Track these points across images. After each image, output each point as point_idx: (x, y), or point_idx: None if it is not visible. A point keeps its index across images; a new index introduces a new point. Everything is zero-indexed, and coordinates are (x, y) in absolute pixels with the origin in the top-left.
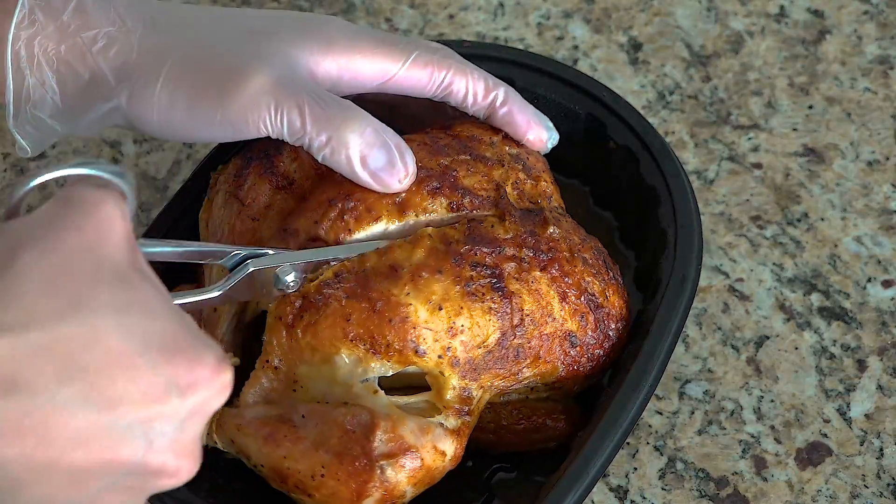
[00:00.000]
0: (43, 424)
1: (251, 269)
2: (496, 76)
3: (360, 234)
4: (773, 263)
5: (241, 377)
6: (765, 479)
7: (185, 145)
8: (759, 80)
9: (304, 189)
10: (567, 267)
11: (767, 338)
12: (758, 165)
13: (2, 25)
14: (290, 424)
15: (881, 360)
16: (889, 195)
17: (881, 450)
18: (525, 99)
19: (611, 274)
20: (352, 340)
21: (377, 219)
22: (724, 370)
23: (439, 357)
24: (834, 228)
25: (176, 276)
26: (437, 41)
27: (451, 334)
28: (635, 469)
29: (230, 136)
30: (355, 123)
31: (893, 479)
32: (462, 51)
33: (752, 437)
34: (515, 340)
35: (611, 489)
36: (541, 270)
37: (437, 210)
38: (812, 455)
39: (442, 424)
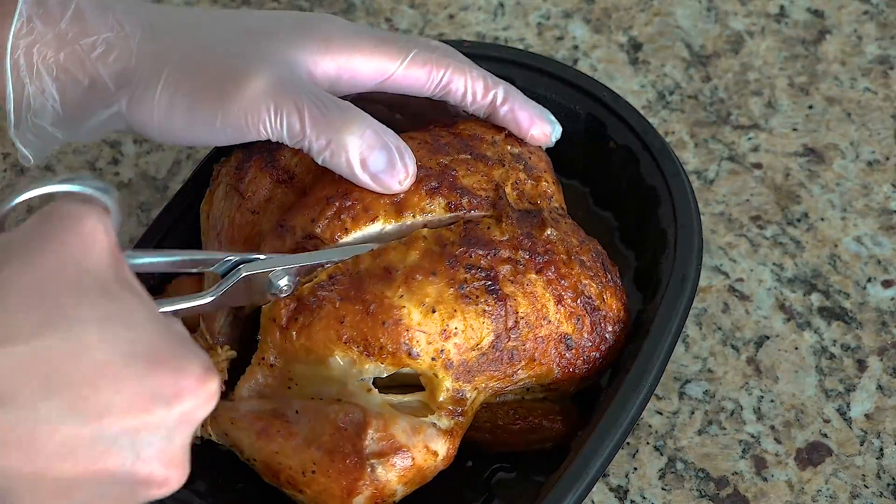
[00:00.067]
0: (28, 437)
1: (243, 274)
2: (497, 76)
3: (356, 234)
4: (773, 263)
5: (239, 369)
6: (765, 479)
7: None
8: (759, 80)
9: (304, 183)
10: (563, 269)
11: (767, 338)
12: (758, 165)
13: (0, 34)
14: (283, 419)
15: (881, 360)
16: (889, 195)
17: (881, 450)
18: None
19: (609, 276)
20: (345, 343)
21: (374, 218)
22: (724, 370)
23: (433, 359)
24: (834, 228)
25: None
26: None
27: (444, 337)
28: (635, 469)
29: (231, 139)
30: (355, 126)
31: (893, 479)
32: (462, 51)
33: (752, 437)
34: (510, 343)
35: (611, 489)
36: (536, 273)
37: (434, 210)
38: (812, 455)
39: (435, 424)
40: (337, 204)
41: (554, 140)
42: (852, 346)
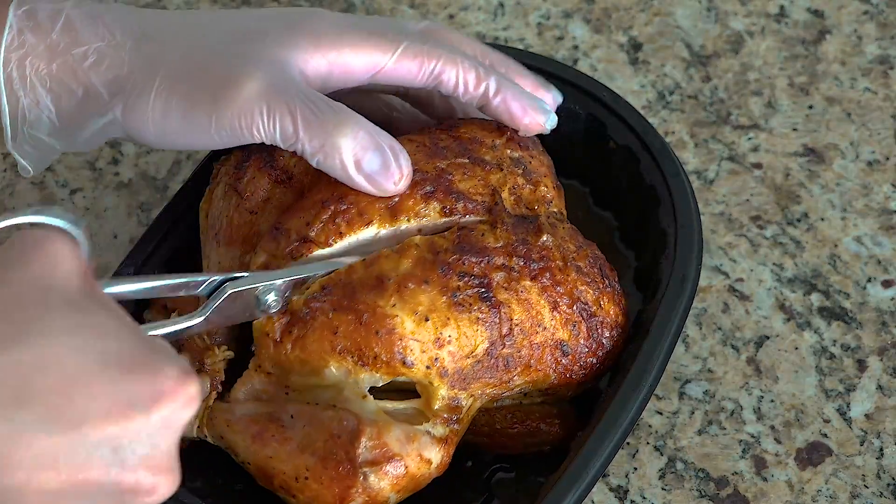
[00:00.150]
0: (5, 449)
1: (228, 292)
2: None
3: (350, 238)
4: (773, 263)
5: (237, 369)
6: (765, 479)
7: None
8: (759, 80)
9: (303, 184)
10: (559, 276)
11: (767, 338)
12: (758, 165)
13: None
14: (278, 424)
15: (881, 360)
16: (889, 195)
17: (881, 450)
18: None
19: (606, 282)
20: (339, 353)
21: (368, 223)
22: (724, 370)
23: (427, 368)
24: (834, 228)
25: (176, 266)
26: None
27: (438, 345)
28: (635, 469)
29: (226, 143)
30: (347, 127)
31: (893, 479)
32: None
33: (752, 437)
34: (505, 350)
35: (611, 489)
36: (531, 279)
37: (429, 214)
38: (812, 455)
39: (429, 433)
40: (332, 208)
41: (549, 128)
42: (852, 346)
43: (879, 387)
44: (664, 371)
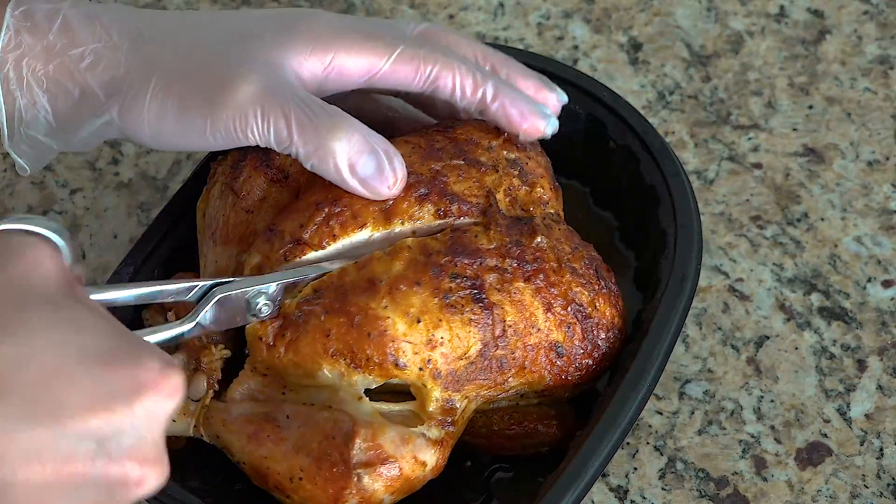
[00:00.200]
0: None
1: (218, 296)
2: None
3: (344, 241)
4: (773, 263)
5: (234, 367)
6: (765, 479)
7: None
8: (759, 80)
9: (299, 183)
10: (553, 277)
11: (767, 338)
12: (758, 165)
13: None
14: (274, 424)
15: (881, 360)
16: (889, 195)
17: (881, 450)
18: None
19: (602, 283)
20: (332, 356)
21: (362, 225)
22: (724, 370)
23: (420, 369)
24: (834, 228)
25: (175, 266)
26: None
27: (430, 347)
28: (635, 469)
29: (221, 145)
30: (342, 131)
31: (893, 479)
32: None
33: (752, 437)
34: (498, 351)
35: (611, 489)
36: (524, 281)
37: (423, 217)
38: (812, 455)
39: (424, 435)
40: (326, 210)
41: (549, 133)
42: (852, 346)
43: (879, 387)
44: (663, 371)
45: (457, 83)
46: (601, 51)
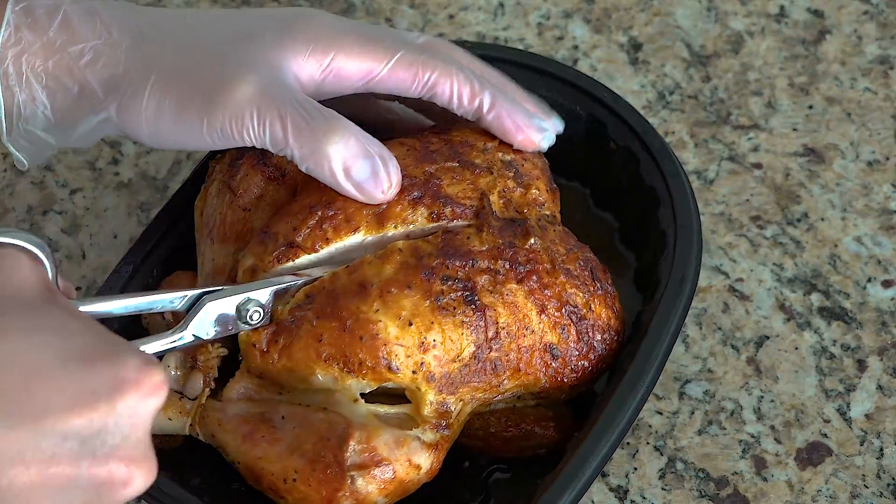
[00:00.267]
0: None
1: (207, 304)
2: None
3: (337, 244)
4: (773, 263)
5: (230, 366)
6: (765, 479)
7: None
8: (759, 80)
9: (296, 181)
10: (547, 279)
11: (767, 338)
12: (758, 165)
13: None
14: (269, 424)
15: (881, 360)
16: (889, 195)
17: (881, 450)
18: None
19: (597, 284)
20: (325, 361)
21: (355, 229)
22: (724, 370)
23: (413, 373)
24: (834, 228)
25: (175, 265)
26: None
27: (422, 349)
28: (635, 469)
29: (218, 145)
30: (337, 135)
31: (893, 479)
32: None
33: (752, 437)
34: (492, 353)
35: (611, 489)
36: (517, 283)
37: (417, 220)
38: (812, 455)
39: (419, 438)
40: (319, 213)
41: (545, 146)
42: (852, 346)
43: (879, 387)
44: (661, 371)
45: (454, 90)
46: (601, 51)
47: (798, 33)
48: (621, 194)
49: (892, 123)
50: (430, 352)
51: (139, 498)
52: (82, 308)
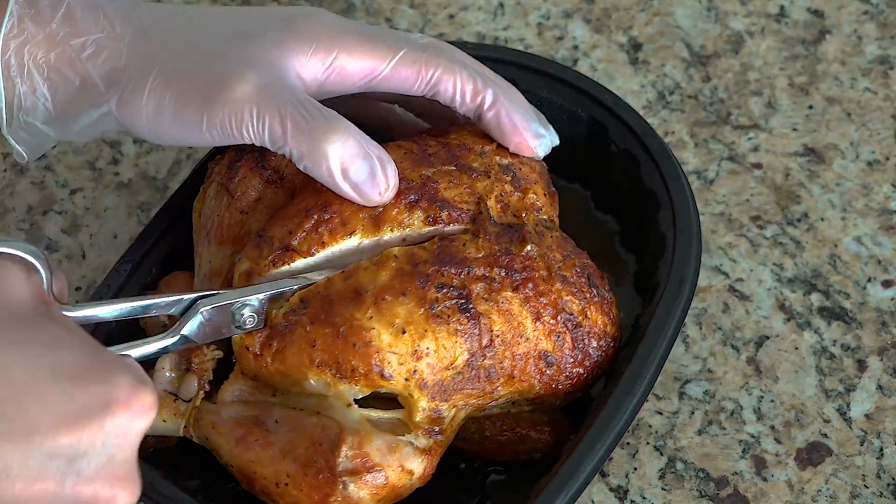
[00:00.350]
0: None
1: (202, 309)
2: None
3: (333, 248)
4: (773, 263)
5: (225, 368)
6: (765, 479)
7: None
8: (759, 80)
9: (294, 184)
10: (543, 286)
11: (767, 338)
12: (758, 165)
13: None
14: (263, 428)
15: (881, 360)
16: (889, 195)
17: (881, 450)
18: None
19: (594, 291)
20: (318, 366)
21: (351, 233)
22: (724, 370)
23: (406, 380)
24: (834, 228)
25: (173, 264)
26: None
27: (416, 357)
28: (635, 469)
29: (217, 142)
30: (336, 135)
31: (893, 479)
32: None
33: (752, 437)
34: (486, 361)
35: (611, 489)
36: (512, 290)
37: (413, 224)
38: (812, 455)
39: (412, 443)
40: (315, 217)
41: (541, 154)
42: (852, 346)
43: (879, 387)
44: (659, 374)
45: (458, 88)
46: (601, 51)
47: (798, 33)
48: (622, 197)
49: (892, 123)
50: (423, 360)
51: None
52: (78, 312)
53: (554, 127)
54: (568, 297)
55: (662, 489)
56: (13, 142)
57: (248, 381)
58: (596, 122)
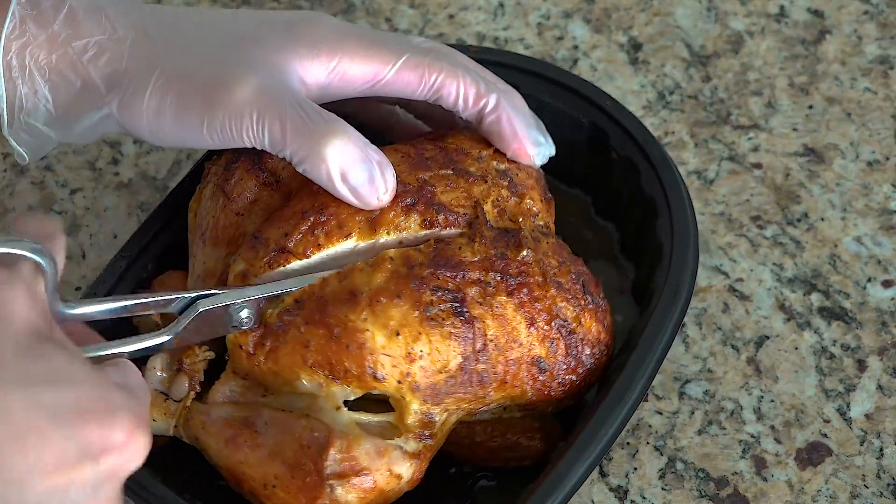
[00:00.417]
0: None
1: (200, 310)
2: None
3: (329, 250)
4: (773, 263)
5: (217, 369)
6: (765, 479)
7: None
8: (759, 80)
9: (290, 187)
10: (537, 292)
11: (767, 338)
12: (758, 165)
13: None
14: (252, 429)
15: (881, 360)
16: (889, 195)
17: (881, 450)
18: (529, 105)
19: (588, 298)
20: (311, 367)
21: (347, 235)
22: (724, 370)
23: (399, 382)
24: (834, 228)
25: (169, 262)
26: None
27: (409, 360)
28: (635, 469)
29: (217, 144)
30: (336, 138)
31: (893, 479)
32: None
33: (752, 437)
34: (479, 365)
35: (611, 489)
36: (507, 295)
37: (409, 227)
38: (812, 455)
39: (401, 447)
40: (311, 219)
41: (539, 162)
42: (852, 346)
43: (879, 387)
44: (653, 381)
45: (461, 91)
46: (601, 51)
47: (798, 33)
48: (622, 204)
49: (892, 123)
50: (416, 362)
51: (124, 495)
52: (76, 311)
53: (555, 132)
54: (562, 304)
55: (662, 489)
56: (14, 143)
57: (240, 380)
58: (597, 129)
